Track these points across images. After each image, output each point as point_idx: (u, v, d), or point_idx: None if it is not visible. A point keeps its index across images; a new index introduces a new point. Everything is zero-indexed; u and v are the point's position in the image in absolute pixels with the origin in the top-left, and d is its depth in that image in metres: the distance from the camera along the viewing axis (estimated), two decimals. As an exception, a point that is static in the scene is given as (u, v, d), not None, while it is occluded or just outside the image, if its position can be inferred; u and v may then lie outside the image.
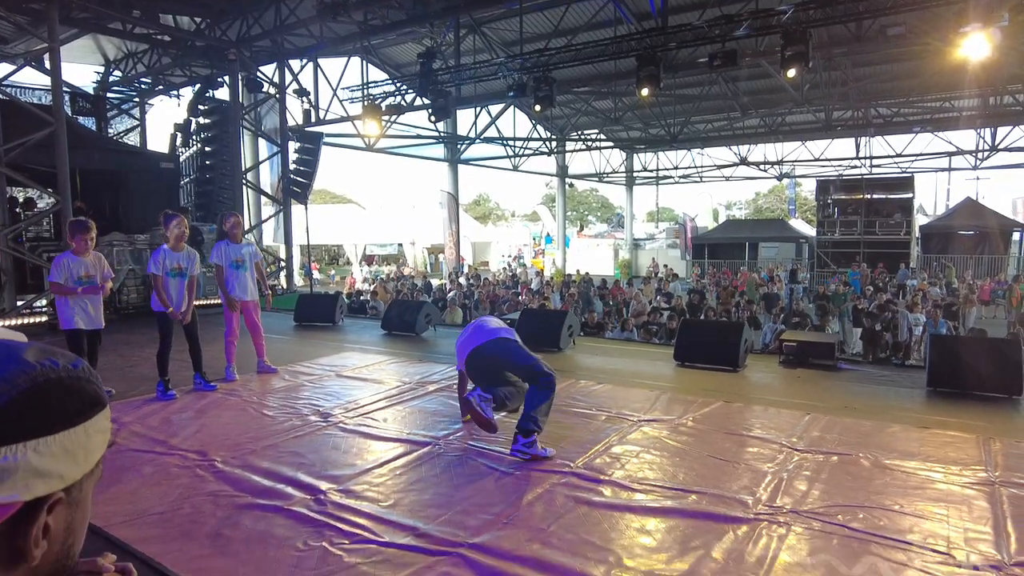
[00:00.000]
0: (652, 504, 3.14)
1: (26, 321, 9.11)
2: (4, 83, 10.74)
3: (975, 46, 7.78)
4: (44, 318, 9.26)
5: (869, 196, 23.11)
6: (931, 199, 33.12)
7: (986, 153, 21.93)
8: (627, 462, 3.70)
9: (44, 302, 9.56)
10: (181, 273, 5.40)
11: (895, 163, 23.99)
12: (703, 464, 3.68)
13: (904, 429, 4.32)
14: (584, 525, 2.91)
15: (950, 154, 22.57)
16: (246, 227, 13.79)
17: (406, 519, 2.97)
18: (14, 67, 10.56)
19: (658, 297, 15.63)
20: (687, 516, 3.00)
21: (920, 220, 25.79)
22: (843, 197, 23.64)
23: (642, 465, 3.66)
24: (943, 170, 25.41)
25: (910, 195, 23.25)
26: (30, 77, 17.25)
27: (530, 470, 3.59)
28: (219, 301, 6.06)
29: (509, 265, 29.48)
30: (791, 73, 8.74)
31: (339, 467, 3.67)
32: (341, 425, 4.48)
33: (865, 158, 23.81)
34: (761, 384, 5.80)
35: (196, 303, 5.54)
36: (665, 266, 23.41)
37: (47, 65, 9.52)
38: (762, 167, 27.10)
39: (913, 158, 23.16)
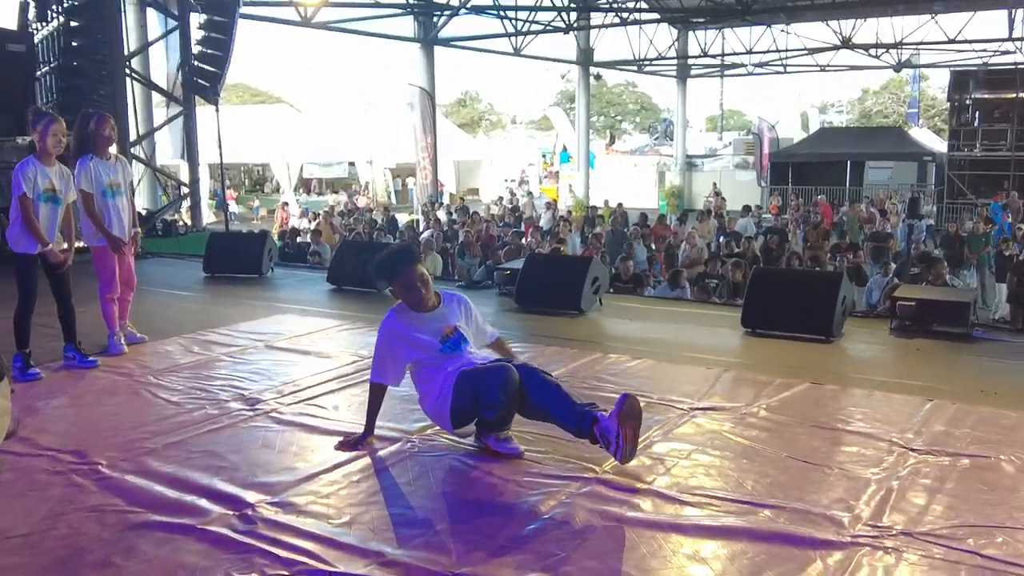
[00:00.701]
0: (709, 522, 3.19)
1: None
2: None
3: None
4: None
5: (1026, 95, 22.86)
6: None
7: None
8: (674, 465, 3.76)
9: None
10: (54, 198, 5.40)
11: (1065, 46, 23.67)
12: (780, 468, 3.73)
13: (1063, 422, 4.37)
14: (614, 550, 2.97)
15: None
16: (132, 137, 13.76)
17: (368, 542, 3.02)
18: None
19: (720, 239, 15.63)
20: (757, 539, 3.05)
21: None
22: (987, 96, 23.38)
23: (695, 469, 3.72)
24: None
25: (1085, 93, 22.98)
26: None
27: (538, 476, 3.64)
28: (83, 245, 6.00)
29: (513, 193, 29.40)
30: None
31: (273, 472, 3.72)
32: (274, 415, 4.53)
33: (1021, 39, 23.42)
34: (864, 359, 5.85)
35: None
36: (718, 193, 23.28)
37: None
38: (873, 52, 26.72)
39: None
